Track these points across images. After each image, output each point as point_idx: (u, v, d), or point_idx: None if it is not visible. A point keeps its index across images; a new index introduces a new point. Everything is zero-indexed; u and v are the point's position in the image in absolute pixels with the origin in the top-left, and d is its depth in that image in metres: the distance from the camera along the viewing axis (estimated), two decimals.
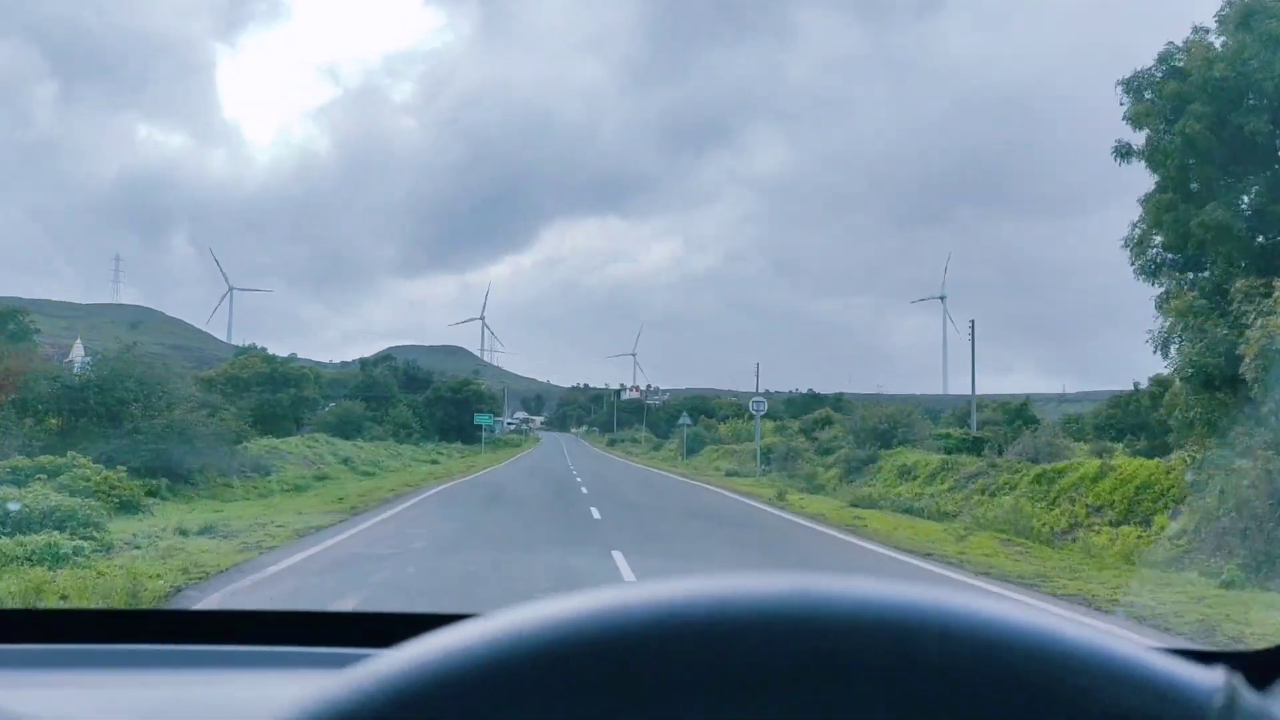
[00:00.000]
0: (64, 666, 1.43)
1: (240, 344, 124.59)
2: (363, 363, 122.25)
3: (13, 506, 12.60)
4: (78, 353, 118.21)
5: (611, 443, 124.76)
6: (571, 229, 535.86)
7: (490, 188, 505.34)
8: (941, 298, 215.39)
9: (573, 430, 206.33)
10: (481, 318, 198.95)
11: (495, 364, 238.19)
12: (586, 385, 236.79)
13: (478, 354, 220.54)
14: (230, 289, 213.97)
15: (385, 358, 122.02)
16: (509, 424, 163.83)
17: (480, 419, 74.53)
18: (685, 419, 59.93)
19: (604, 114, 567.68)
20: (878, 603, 0.50)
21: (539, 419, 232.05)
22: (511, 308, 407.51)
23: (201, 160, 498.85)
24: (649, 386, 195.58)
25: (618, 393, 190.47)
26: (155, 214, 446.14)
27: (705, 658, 0.48)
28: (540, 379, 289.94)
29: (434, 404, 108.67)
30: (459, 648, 0.50)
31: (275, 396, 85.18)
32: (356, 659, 0.51)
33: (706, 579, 0.53)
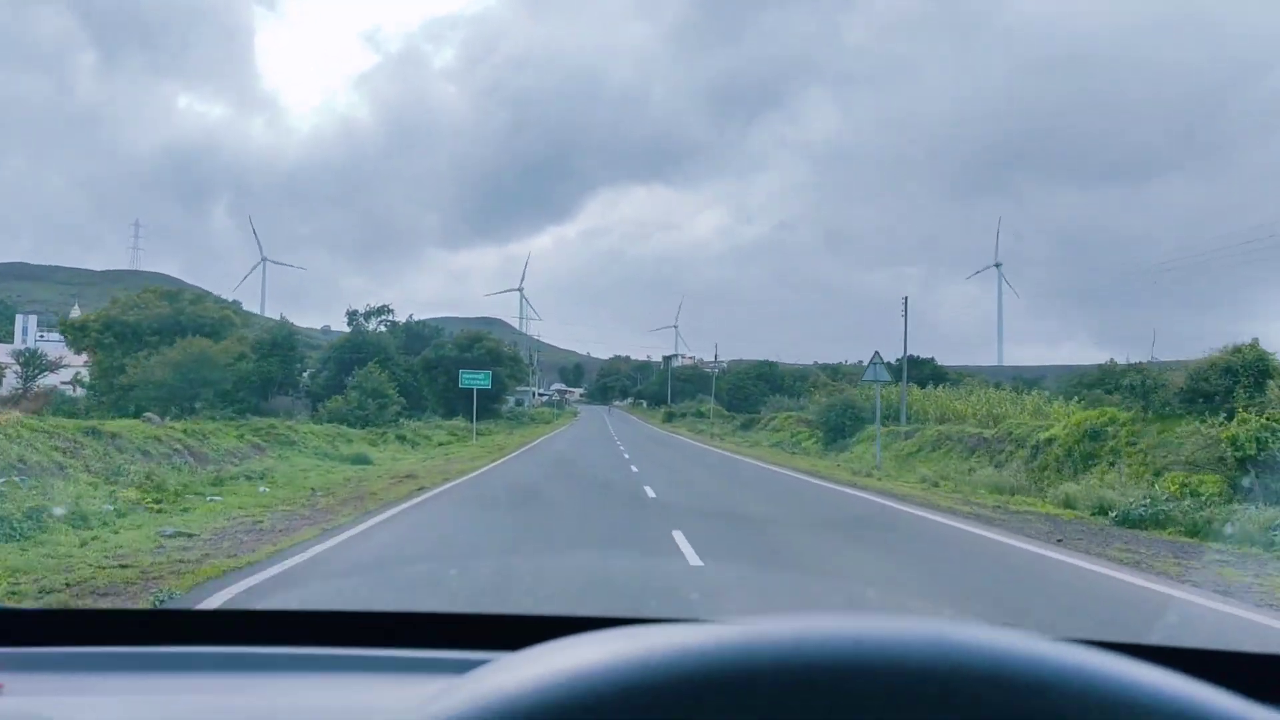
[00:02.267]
0: (98, 670, 1.33)
1: (274, 316, 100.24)
2: (351, 317, 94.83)
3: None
4: (74, 315, 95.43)
5: (669, 418, 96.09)
6: (617, 199, 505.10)
7: (534, 156, 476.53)
8: (997, 265, 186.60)
9: (615, 403, 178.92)
10: (520, 288, 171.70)
11: (533, 335, 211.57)
12: (628, 357, 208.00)
13: (516, 325, 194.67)
14: (264, 259, 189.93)
15: (381, 310, 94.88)
16: (541, 395, 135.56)
17: (469, 380, 45.47)
18: (879, 369, 28.25)
19: (653, 79, 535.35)
20: (1012, 656, 0.47)
21: (578, 391, 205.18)
22: (553, 279, 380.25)
23: (242, 129, 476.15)
24: (698, 358, 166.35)
25: (668, 360, 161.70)
26: (196, 184, 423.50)
27: (831, 703, 0.45)
28: (580, 351, 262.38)
29: (435, 367, 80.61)
30: (563, 677, 0.47)
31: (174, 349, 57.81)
32: (422, 663, 0.47)
33: (842, 619, 0.50)
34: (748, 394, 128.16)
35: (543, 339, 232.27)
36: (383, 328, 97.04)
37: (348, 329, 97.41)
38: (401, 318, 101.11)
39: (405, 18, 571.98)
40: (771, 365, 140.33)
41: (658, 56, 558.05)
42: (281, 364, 79.56)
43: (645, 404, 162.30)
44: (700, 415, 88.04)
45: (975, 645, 0.47)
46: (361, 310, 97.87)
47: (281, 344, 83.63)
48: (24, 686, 1.09)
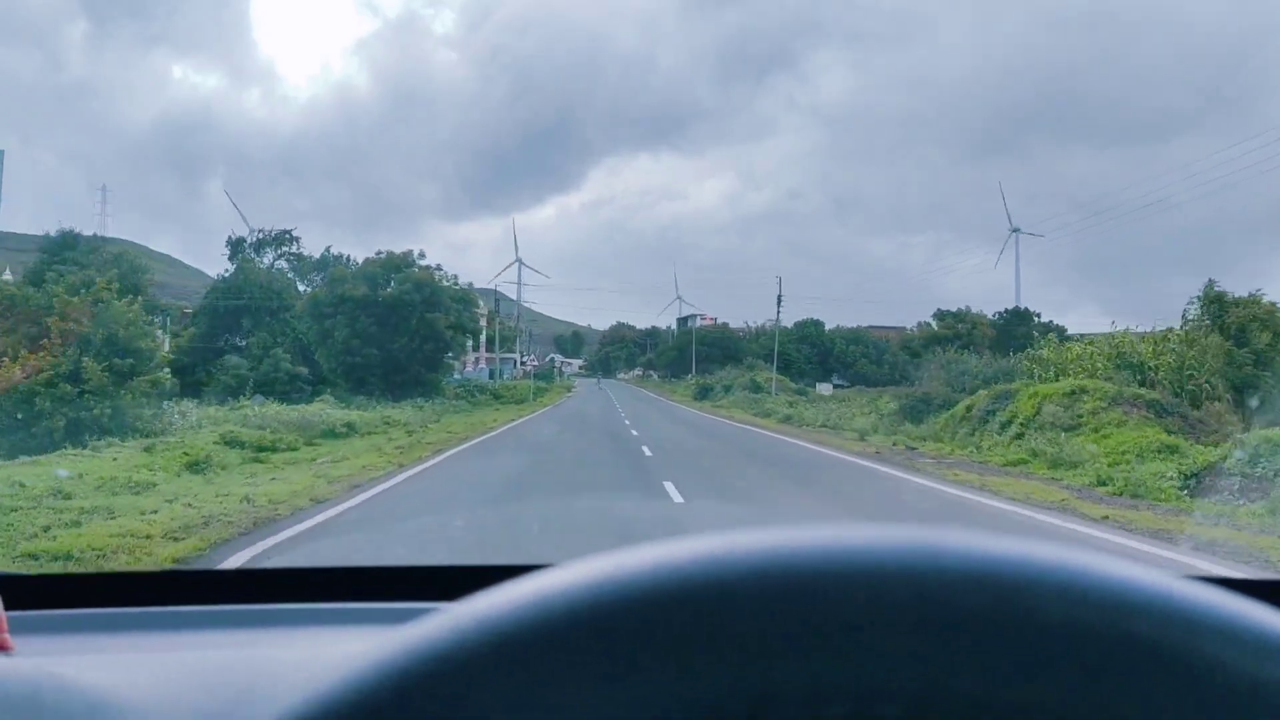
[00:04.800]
0: (107, 630, 1.36)
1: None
2: (234, 248, 63.08)
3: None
4: (6, 277, 63.01)
5: (704, 393, 64.41)
6: (621, 167, 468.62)
7: (537, 124, 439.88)
8: (1014, 231, 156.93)
9: (620, 376, 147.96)
10: (518, 260, 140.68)
11: (531, 306, 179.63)
12: (632, 325, 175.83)
13: (513, 297, 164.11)
14: (252, 231, 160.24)
15: (281, 238, 62.79)
16: (525, 363, 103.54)
17: None
18: None
19: (659, 40, 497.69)
20: (992, 557, 0.45)
21: (576, 362, 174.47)
22: (554, 249, 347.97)
23: (237, 100, 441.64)
24: (719, 320, 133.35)
25: (684, 322, 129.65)
26: (191, 157, 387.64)
27: (807, 611, 0.43)
28: (580, 323, 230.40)
29: (329, 316, 49.05)
30: (536, 599, 0.45)
31: None
32: (419, 613, 0.48)
33: (813, 529, 0.47)
34: (790, 360, 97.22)
35: (539, 309, 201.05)
36: (284, 263, 65.28)
37: (230, 266, 65.81)
38: (316, 249, 69.23)
39: None
40: (818, 325, 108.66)
41: (664, 16, 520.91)
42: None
43: (656, 375, 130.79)
44: (757, 389, 56.51)
45: (953, 548, 0.45)
46: (250, 238, 65.76)
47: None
48: (33, 647, 1.11)
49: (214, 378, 55.46)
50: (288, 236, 62.75)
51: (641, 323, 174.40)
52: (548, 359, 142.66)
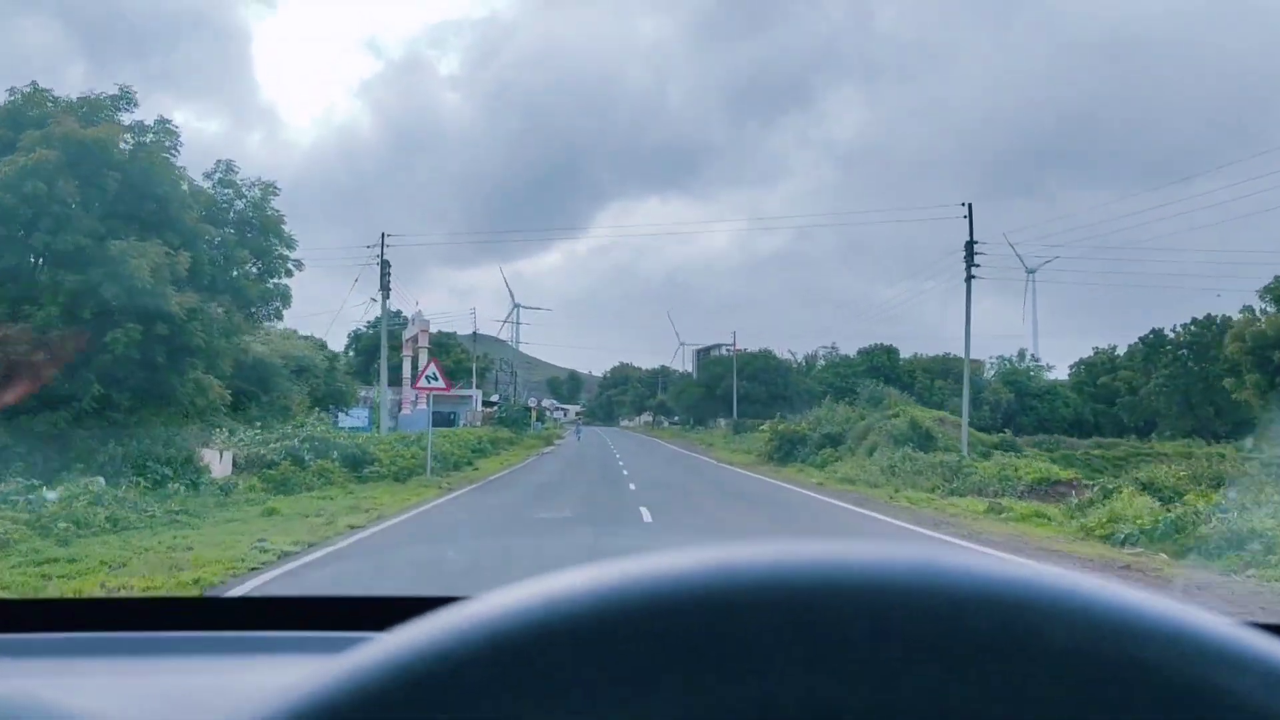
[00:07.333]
0: (84, 654, 1.39)
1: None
2: None
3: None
4: None
5: (787, 451, 34.65)
6: (628, 211, 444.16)
7: (543, 167, 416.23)
8: (1030, 272, 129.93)
9: (623, 423, 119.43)
10: (516, 304, 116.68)
11: (530, 353, 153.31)
12: (638, 367, 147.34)
13: (511, 342, 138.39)
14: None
15: None
16: (488, 407, 72.77)
17: None
18: None
19: (669, 79, 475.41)
20: (998, 580, 0.44)
21: (573, 408, 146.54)
22: (559, 296, 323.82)
23: (239, 144, 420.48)
24: (748, 348, 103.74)
25: (707, 352, 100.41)
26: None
27: (810, 625, 0.42)
28: (581, 370, 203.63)
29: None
30: (462, 627, 0.43)
31: None
32: (353, 642, 0.48)
33: (814, 545, 0.46)
34: (856, 399, 69.01)
35: (534, 352, 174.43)
36: None
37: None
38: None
39: (407, 21, 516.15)
40: (891, 354, 79.79)
41: (674, 54, 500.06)
42: None
43: (669, 421, 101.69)
44: (926, 441, 27.20)
45: (959, 568, 0.44)
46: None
47: None
48: (11, 670, 1.11)
49: None
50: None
51: (646, 363, 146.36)
52: (543, 403, 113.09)
